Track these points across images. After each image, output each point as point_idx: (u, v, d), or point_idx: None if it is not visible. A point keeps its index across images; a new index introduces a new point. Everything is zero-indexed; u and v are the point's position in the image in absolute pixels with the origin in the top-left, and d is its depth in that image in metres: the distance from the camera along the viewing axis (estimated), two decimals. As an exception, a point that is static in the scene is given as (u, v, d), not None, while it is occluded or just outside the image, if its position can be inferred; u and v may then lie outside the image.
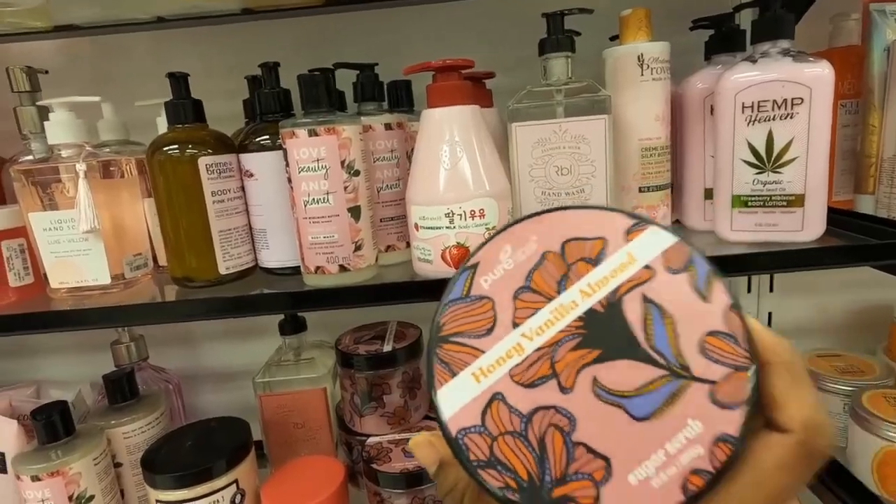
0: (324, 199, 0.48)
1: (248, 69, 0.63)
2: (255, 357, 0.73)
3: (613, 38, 0.60)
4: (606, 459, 0.18)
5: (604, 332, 0.20)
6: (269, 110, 0.55)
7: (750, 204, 0.51)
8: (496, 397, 0.20)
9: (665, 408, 0.19)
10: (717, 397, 0.19)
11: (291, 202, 0.50)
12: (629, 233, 0.21)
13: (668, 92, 0.54)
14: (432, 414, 0.66)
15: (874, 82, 0.58)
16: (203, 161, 0.51)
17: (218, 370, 0.87)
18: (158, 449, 0.58)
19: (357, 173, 0.49)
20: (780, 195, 0.50)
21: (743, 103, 0.49)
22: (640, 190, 0.55)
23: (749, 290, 0.80)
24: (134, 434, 0.61)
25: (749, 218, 0.51)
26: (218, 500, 0.54)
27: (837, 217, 0.53)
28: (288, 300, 0.49)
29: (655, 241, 0.20)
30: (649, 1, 0.54)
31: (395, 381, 0.61)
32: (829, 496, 0.63)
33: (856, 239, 0.51)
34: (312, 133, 0.47)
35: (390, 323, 0.69)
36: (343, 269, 0.49)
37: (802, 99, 0.47)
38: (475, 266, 0.22)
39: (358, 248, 0.50)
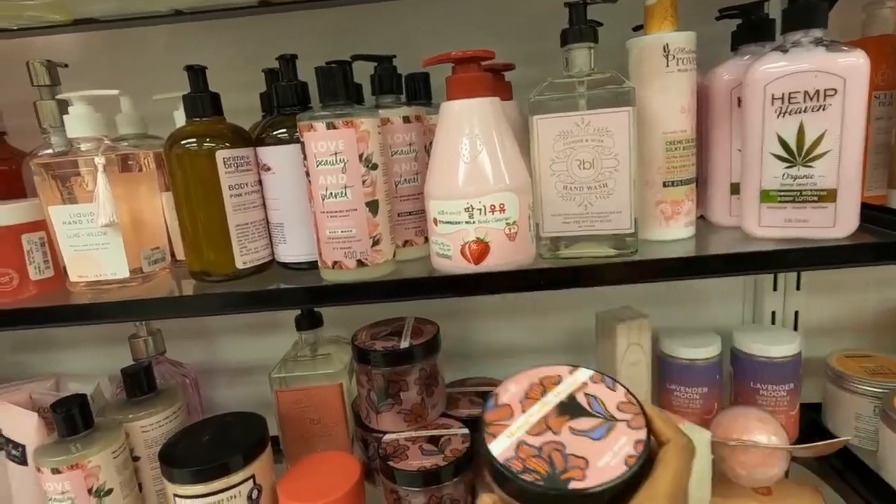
0: (342, 193, 0.48)
1: (263, 62, 0.63)
2: (271, 352, 0.73)
3: (637, 29, 0.59)
4: (586, 459, 0.36)
5: (569, 408, 0.39)
6: (286, 103, 0.55)
7: (779, 199, 0.50)
8: (521, 443, 0.37)
9: (607, 434, 0.37)
10: (631, 426, 0.37)
11: (309, 196, 0.50)
12: (571, 372, 0.42)
13: (694, 83, 0.53)
14: (449, 412, 0.66)
15: (911, 73, 0.57)
16: (220, 154, 0.51)
17: (234, 365, 0.87)
18: (176, 443, 0.58)
19: (375, 167, 0.49)
20: (810, 190, 0.48)
21: (773, 95, 0.48)
22: (665, 184, 0.54)
23: (775, 289, 0.78)
24: (152, 428, 0.61)
25: (778, 213, 0.50)
26: (235, 496, 0.55)
27: (870, 213, 0.51)
28: (305, 295, 0.49)
29: (585, 372, 0.42)
30: (675, -10, 0.53)
31: (413, 377, 0.61)
32: (858, 499, 0.61)
33: (889, 236, 0.49)
34: (330, 126, 0.47)
35: (407, 319, 0.69)
36: (361, 264, 0.49)
37: (836, 90, 0.46)
38: (497, 393, 0.41)
39: (376, 242, 0.50)
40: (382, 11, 0.71)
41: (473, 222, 0.46)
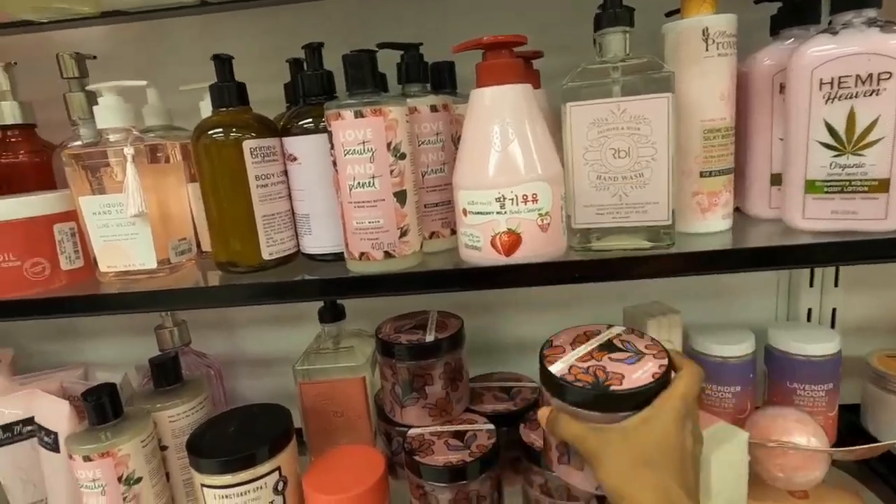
0: (369, 182, 0.47)
1: (286, 53, 0.63)
2: (293, 344, 0.73)
3: (670, 14, 0.57)
4: (622, 375, 0.44)
5: (607, 347, 0.49)
6: (312, 93, 0.54)
7: (826, 190, 0.47)
8: (573, 366, 0.46)
9: (637, 361, 0.46)
10: (655, 357, 0.46)
11: (336, 186, 0.49)
12: (608, 327, 0.52)
13: (734, 69, 0.51)
14: (473, 407, 0.65)
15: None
16: (247, 144, 0.50)
17: (256, 356, 0.87)
18: (203, 434, 0.58)
19: (403, 156, 0.48)
20: (860, 180, 0.46)
21: (821, 79, 0.46)
22: (702, 175, 0.52)
23: (811, 285, 0.75)
24: (179, 418, 0.61)
25: (824, 205, 0.48)
26: (261, 487, 0.54)
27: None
28: (333, 286, 0.49)
29: (618, 328, 0.52)
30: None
31: (438, 371, 0.60)
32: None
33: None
34: (358, 114, 0.46)
35: (430, 312, 0.68)
36: (388, 255, 0.48)
37: (891, 73, 0.43)
38: (551, 340, 0.51)
39: (403, 234, 0.48)
40: (401, 2, 0.70)
41: (505, 213, 0.44)
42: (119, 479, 0.54)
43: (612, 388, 0.43)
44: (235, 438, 0.57)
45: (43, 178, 0.64)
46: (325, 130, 0.49)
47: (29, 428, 0.63)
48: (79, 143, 0.62)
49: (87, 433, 0.55)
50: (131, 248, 0.53)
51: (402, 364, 0.59)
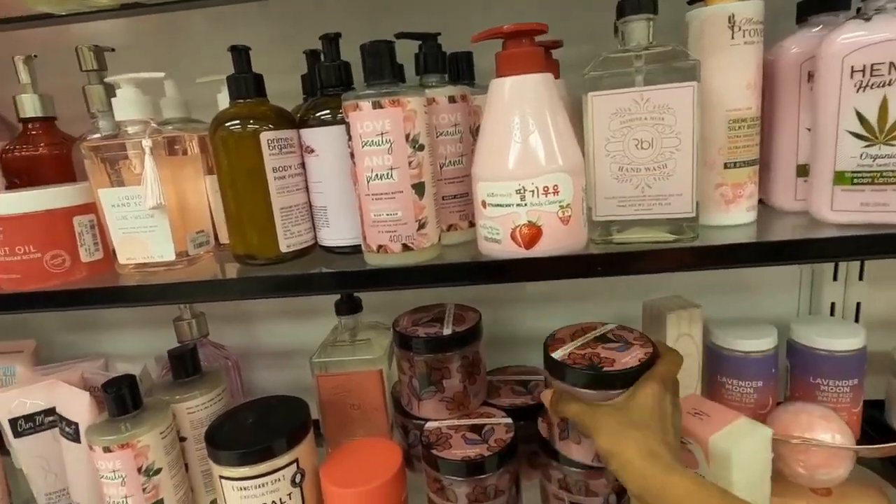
0: (387, 174, 0.46)
1: (302, 45, 0.62)
2: (310, 337, 0.73)
3: (692, 2, 0.55)
4: (613, 359, 0.51)
5: (602, 339, 0.56)
6: (329, 84, 0.53)
7: (855, 181, 0.46)
8: (572, 353, 0.53)
9: (626, 350, 0.53)
10: (642, 347, 0.53)
11: (353, 178, 0.48)
12: (603, 325, 0.59)
13: (760, 57, 0.49)
14: (490, 401, 0.64)
15: None
16: (265, 136, 0.50)
17: (273, 348, 0.87)
18: (221, 426, 0.58)
19: (422, 148, 0.47)
20: (893, 171, 0.44)
21: (852, 67, 0.44)
22: (726, 166, 0.50)
23: (835, 279, 0.73)
24: (198, 409, 0.61)
25: (854, 197, 0.46)
26: (279, 479, 0.54)
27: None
28: (350, 279, 0.48)
29: (612, 325, 0.59)
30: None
31: (455, 365, 0.59)
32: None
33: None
34: (377, 105, 0.45)
35: (447, 305, 0.67)
36: (406, 248, 0.48)
37: (927, 60, 0.41)
38: (553, 333, 0.58)
39: (422, 226, 0.48)
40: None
41: (525, 205, 0.43)
42: (139, 470, 0.55)
43: (605, 369, 0.50)
44: (253, 431, 0.57)
45: (63, 170, 0.64)
46: (342, 122, 0.49)
47: (50, 418, 0.64)
48: (97, 135, 0.62)
49: (107, 424, 0.55)
50: (150, 240, 0.53)
51: (419, 357, 0.59)
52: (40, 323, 0.87)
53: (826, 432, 0.56)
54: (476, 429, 0.58)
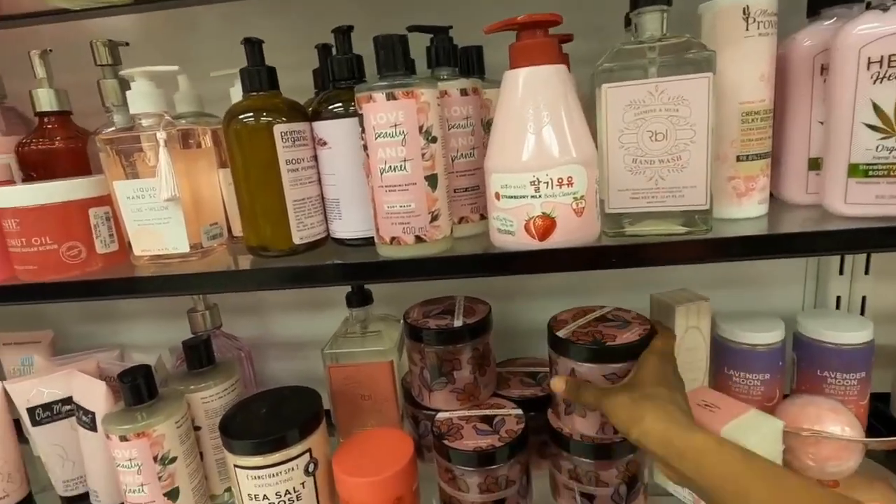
0: (401, 166, 0.45)
1: (313, 40, 0.61)
2: (321, 329, 0.72)
3: (703, -3, 0.54)
4: (615, 335, 0.53)
5: (602, 319, 0.57)
6: (342, 77, 0.52)
7: (870, 173, 0.44)
8: (575, 331, 0.54)
9: (626, 327, 0.54)
10: (641, 324, 0.55)
11: (367, 170, 0.47)
12: (602, 307, 0.60)
13: (774, 49, 0.48)
14: (500, 392, 0.63)
15: None
16: (278, 129, 0.49)
17: (285, 340, 0.86)
18: (235, 416, 0.57)
19: (434, 140, 0.46)
20: (910, 163, 0.43)
21: (869, 58, 0.42)
22: (739, 159, 0.49)
23: (841, 272, 0.72)
24: (212, 399, 0.61)
25: (868, 189, 0.44)
26: (293, 468, 0.53)
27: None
28: (366, 270, 0.47)
29: (611, 307, 0.60)
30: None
31: (466, 356, 0.58)
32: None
33: None
34: (390, 96, 0.44)
35: (457, 298, 0.66)
36: (419, 239, 0.46)
37: (947, 50, 0.40)
38: (555, 315, 0.59)
39: (434, 218, 0.47)
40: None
41: (540, 196, 0.42)
42: (154, 459, 0.54)
43: (608, 343, 0.51)
44: (267, 420, 0.56)
45: (78, 164, 0.63)
46: (355, 114, 0.48)
47: (68, 407, 0.63)
48: (112, 129, 0.61)
49: (123, 413, 0.55)
50: (164, 232, 0.52)
51: (430, 348, 0.58)
52: (57, 314, 0.87)
53: (836, 425, 0.54)
54: (487, 419, 0.57)
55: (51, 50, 0.62)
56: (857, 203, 0.45)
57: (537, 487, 0.59)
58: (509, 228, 0.44)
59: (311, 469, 0.55)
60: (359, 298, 0.69)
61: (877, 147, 0.44)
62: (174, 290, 0.50)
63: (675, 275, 0.72)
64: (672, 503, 0.58)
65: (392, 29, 0.50)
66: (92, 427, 0.59)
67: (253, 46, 0.50)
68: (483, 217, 0.53)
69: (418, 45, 0.53)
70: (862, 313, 0.72)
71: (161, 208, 0.51)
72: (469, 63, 0.57)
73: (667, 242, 0.44)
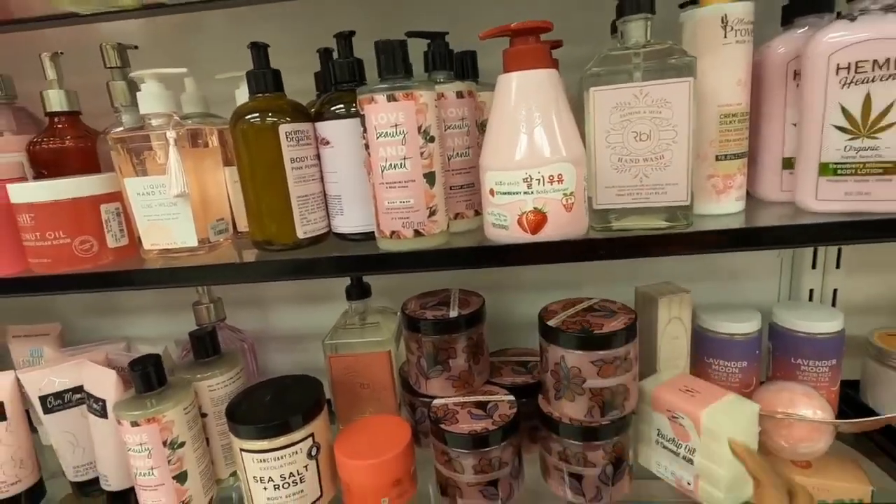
0: (401, 164, 0.46)
1: (314, 44, 0.62)
2: (321, 321, 0.73)
3: (683, 6, 0.55)
4: (602, 324, 0.54)
5: (589, 310, 0.58)
6: (343, 79, 0.53)
7: (839, 172, 0.46)
8: (564, 320, 0.56)
9: (612, 317, 0.56)
10: (626, 315, 0.57)
11: (368, 168, 0.48)
12: (589, 299, 0.61)
13: (750, 55, 0.49)
14: (493, 380, 0.64)
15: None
16: (283, 129, 0.50)
17: (286, 332, 0.87)
18: (240, 403, 0.58)
19: (432, 139, 0.47)
20: (875, 162, 0.45)
21: (838, 64, 0.44)
22: (717, 158, 0.50)
23: (814, 266, 0.74)
24: (218, 387, 0.62)
25: (838, 187, 0.46)
26: (296, 452, 0.54)
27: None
28: (367, 262, 0.48)
29: (597, 299, 0.61)
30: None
31: (461, 345, 0.59)
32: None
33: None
34: (391, 98, 0.45)
35: (452, 290, 0.68)
36: (418, 234, 0.48)
37: (908, 57, 0.42)
38: (546, 307, 0.60)
39: (432, 213, 0.48)
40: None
41: (532, 192, 0.44)
42: (164, 444, 0.55)
43: (595, 332, 0.53)
44: (271, 407, 0.57)
45: (88, 162, 0.64)
46: (356, 115, 0.49)
47: (78, 396, 0.64)
48: (121, 128, 0.62)
49: (134, 400, 0.55)
50: (173, 227, 0.53)
51: (427, 338, 0.59)
52: (64, 308, 0.87)
53: (808, 408, 0.56)
54: (481, 405, 0.58)
55: (62, 53, 0.63)
56: (827, 199, 0.47)
57: (529, 469, 0.61)
58: (503, 223, 0.46)
59: (313, 453, 0.56)
60: (358, 291, 0.70)
61: (845, 147, 0.46)
62: (184, 281, 0.51)
63: (659, 269, 0.74)
64: (655, 484, 0.59)
65: (389, 35, 0.51)
66: (102, 414, 0.59)
67: (259, 50, 0.51)
68: (478, 213, 0.54)
69: (416, 50, 0.55)
70: (833, 305, 0.75)
71: (170, 204, 0.52)
72: (464, 67, 0.58)
73: (650, 236, 0.46)
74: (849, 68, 0.44)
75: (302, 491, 0.55)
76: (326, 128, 0.52)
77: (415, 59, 0.55)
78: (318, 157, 0.53)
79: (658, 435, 0.57)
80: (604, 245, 0.45)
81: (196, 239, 0.53)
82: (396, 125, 0.45)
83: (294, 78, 0.59)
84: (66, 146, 0.64)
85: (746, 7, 0.48)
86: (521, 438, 0.58)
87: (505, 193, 0.45)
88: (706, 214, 0.52)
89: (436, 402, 0.60)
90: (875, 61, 0.43)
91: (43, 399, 0.63)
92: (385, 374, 0.67)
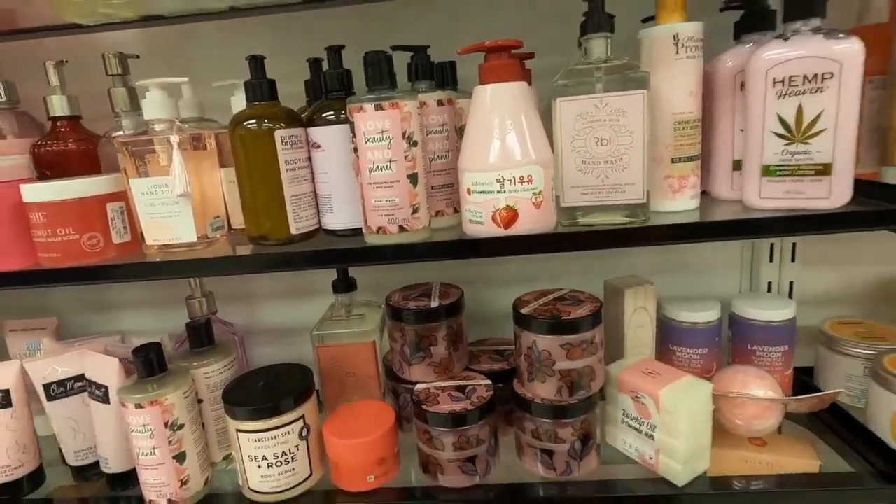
0: (387, 166, 0.52)
1: (302, 54, 0.67)
2: (307, 315, 0.77)
3: (646, 21, 0.62)
4: (570, 311, 0.59)
5: (559, 299, 0.63)
6: (333, 88, 0.58)
7: (778, 173, 0.52)
8: (536, 308, 0.61)
9: (579, 305, 0.61)
10: (591, 304, 0.62)
11: (356, 170, 0.53)
12: (559, 290, 0.67)
13: (700, 69, 0.56)
14: (472, 366, 0.70)
15: (902, 60, 0.58)
16: (278, 133, 0.55)
17: (274, 326, 0.92)
18: (235, 387, 0.63)
19: (415, 144, 0.52)
20: (808, 164, 0.51)
21: (774, 78, 0.51)
22: (673, 161, 0.56)
23: (771, 260, 0.81)
24: (213, 374, 0.66)
25: (777, 186, 0.53)
26: (288, 432, 0.59)
27: (864, 188, 0.53)
28: (356, 255, 0.53)
29: (566, 290, 0.67)
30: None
31: (441, 334, 0.64)
32: (848, 451, 0.64)
33: (881, 206, 0.52)
34: (378, 107, 0.50)
35: (433, 283, 0.73)
36: (402, 229, 0.53)
37: (832, 73, 0.48)
38: (519, 297, 0.65)
39: (415, 210, 0.53)
40: (402, 9, 0.74)
41: (504, 192, 0.49)
42: (165, 425, 0.59)
43: (563, 318, 0.58)
44: (265, 391, 0.62)
45: (89, 164, 0.68)
46: (345, 121, 0.54)
47: (80, 384, 0.68)
48: (121, 133, 0.66)
49: (137, 385, 0.60)
50: (175, 224, 0.57)
51: (410, 327, 0.64)
52: (59, 303, 0.90)
53: (759, 388, 0.62)
54: (460, 389, 0.64)
55: (66, 61, 0.67)
56: (769, 198, 0.53)
57: (504, 447, 0.66)
58: (479, 219, 0.52)
59: (304, 434, 0.61)
60: (344, 285, 0.75)
61: (783, 151, 0.52)
62: (185, 273, 0.56)
63: (626, 263, 0.80)
64: (621, 458, 0.65)
65: (374, 48, 0.57)
66: (105, 400, 0.64)
67: (256, 62, 0.56)
68: (457, 210, 0.60)
69: (400, 62, 0.60)
70: (790, 296, 0.81)
71: (172, 203, 0.57)
72: (444, 77, 0.63)
73: (611, 230, 0.52)
74: (783, 82, 0.50)
75: (293, 469, 0.60)
76: (318, 133, 0.57)
77: (399, 69, 0.61)
78: (310, 159, 0.58)
79: (623, 414, 0.63)
80: (568, 238, 0.51)
81: (195, 235, 0.58)
82: (383, 131, 0.51)
83: (283, 84, 0.64)
84: (68, 149, 0.68)
85: (696, 26, 0.54)
86: (497, 420, 0.63)
87: (480, 192, 0.51)
88: (664, 211, 0.58)
89: (418, 386, 0.65)
90: (805, 76, 0.49)
91: (46, 387, 0.67)
92: (370, 363, 0.72)
